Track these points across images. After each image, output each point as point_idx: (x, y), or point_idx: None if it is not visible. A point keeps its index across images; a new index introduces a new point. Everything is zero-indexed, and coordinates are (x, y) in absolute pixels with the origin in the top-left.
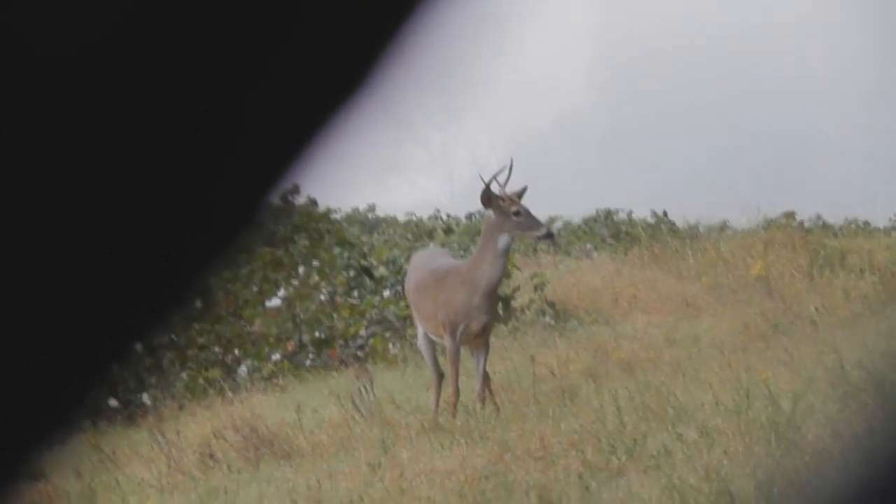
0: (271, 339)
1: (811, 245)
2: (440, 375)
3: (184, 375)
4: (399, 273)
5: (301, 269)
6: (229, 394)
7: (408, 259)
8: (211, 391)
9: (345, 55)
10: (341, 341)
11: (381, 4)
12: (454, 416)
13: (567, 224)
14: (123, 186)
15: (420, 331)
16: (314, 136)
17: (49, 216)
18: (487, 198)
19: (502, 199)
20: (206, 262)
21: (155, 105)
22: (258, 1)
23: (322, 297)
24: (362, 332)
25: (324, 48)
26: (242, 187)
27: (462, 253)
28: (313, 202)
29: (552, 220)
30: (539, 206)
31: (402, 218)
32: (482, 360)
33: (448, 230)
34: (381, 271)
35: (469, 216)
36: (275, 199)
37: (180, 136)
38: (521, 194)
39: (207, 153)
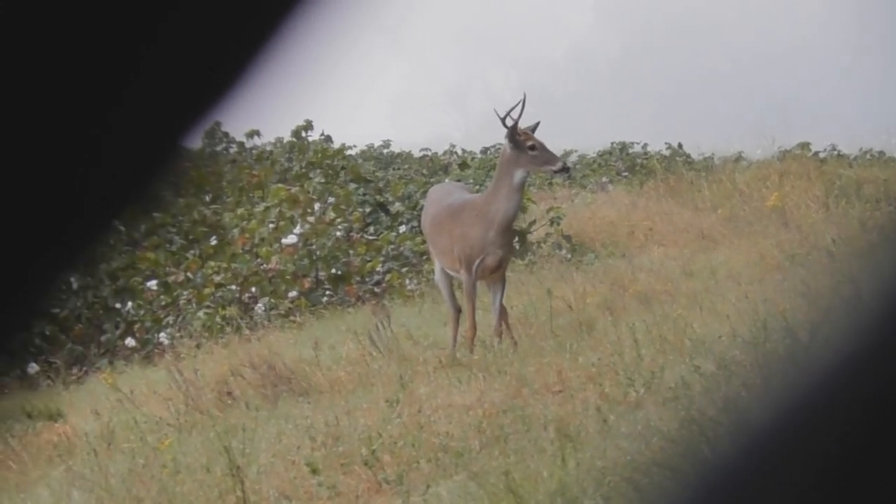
0: (288, 277)
1: (826, 175)
2: (457, 310)
3: (201, 314)
4: (415, 209)
5: (317, 206)
6: (246, 332)
7: (423, 194)
8: (228, 329)
9: None
10: (358, 278)
11: None
12: (472, 351)
13: (582, 157)
14: (20, 126)
15: (437, 266)
16: (237, 69)
17: None
18: (513, 133)
19: (518, 134)
20: (107, 208)
21: (53, 32)
22: None
23: (338, 234)
24: (379, 269)
25: None
26: (151, 127)
27: (478, 188)
28: (328, 138)
29: (567, 153)
30: (554, 140)
31: (416, 153)
32: (499, 295)
33: (463, 165)
34: (396, 207)
35: (484, 150)
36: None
37: (78, 70)
38: (534, 129)
39: (108, 90)
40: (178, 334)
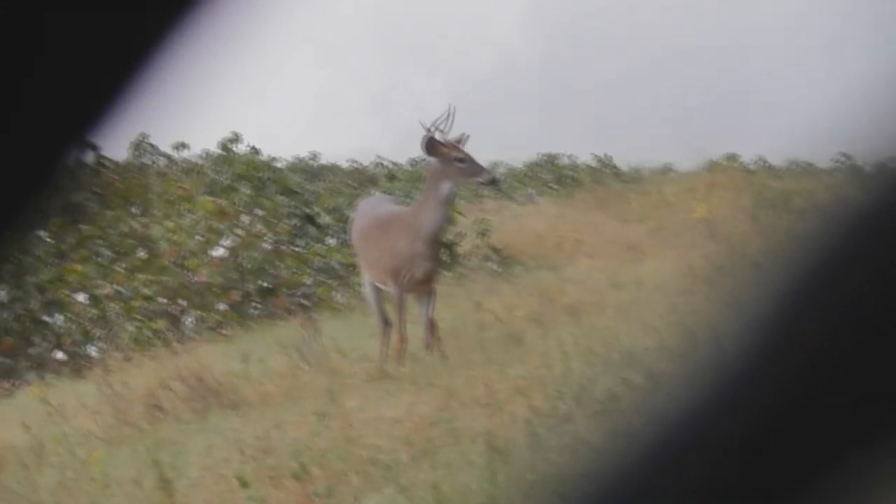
0: (216, 289)
1: (755, 187)
2: (386, 323)
3: (130, 327)
4: (343, 221)
5: (245, 219)
6: (175, 344)
7: (351, 206)
8: (157, 342)
9: None
10: (286, 290)
11: None
12: (400, 363)
13: (510, 169)
14: None
15: (366, 278)
16: (116, 85)
17: None
18: (431, 146)
19: (445, 146)
20: None
21: None
22: None
23: (266, 246)
24: (307, 281)
25: None
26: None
27: (406, 200)
28: (256, 151)
29: (495, 165)
30: (481, 151)
31: (345, 165)
32: (428, 307)
33: (391, 177)
34: (325, 219)
35: (413, 163)
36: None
37: None
38: (462, 141)
39: None
40: (107, 347)
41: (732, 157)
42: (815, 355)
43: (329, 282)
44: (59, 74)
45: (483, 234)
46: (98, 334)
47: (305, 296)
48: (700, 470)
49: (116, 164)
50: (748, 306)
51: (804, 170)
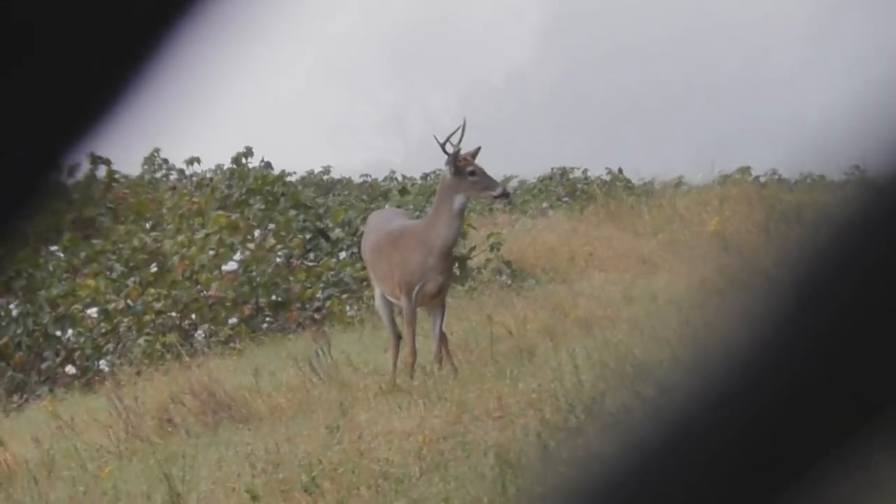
0: (228, 303)
1: (767, 200)
2: (398, 336)
3: (141, 341)
4: (355, 235)
5: (257, 233)
6: (186, 358)
7: (363, 220)
8: (168, 356)
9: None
10: (298, 304)
11: None
12: (412, 377)
13: (522, 183)
14: None
15: (377, 292)
16: (104, 100)
17: None
18: (453, 160)
19: (458, 160)
20: None
21: None
22: None
23: (278, 260)
24: (319, 295)
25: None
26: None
27: (418, 214)
28: (268, 165)
29: (507, 179)
30: (494, 165)
31: (356, 179)
32: (439, 321)
33: (403, 191)
34: (336, 233)
35: (424, 176)
36: (227, 162)
37: None
38: (474, 154)
39: None
40: (118, 361)
41: (744, 170)
42: (827, 367)
43: (340, 295)
44: (72, 88)
45: (495, 247)
46: (109, 348)
47: (317, 309)
48: (712, 483)
49: (129, 178)
50: (761, 319)
51: (816, 182)
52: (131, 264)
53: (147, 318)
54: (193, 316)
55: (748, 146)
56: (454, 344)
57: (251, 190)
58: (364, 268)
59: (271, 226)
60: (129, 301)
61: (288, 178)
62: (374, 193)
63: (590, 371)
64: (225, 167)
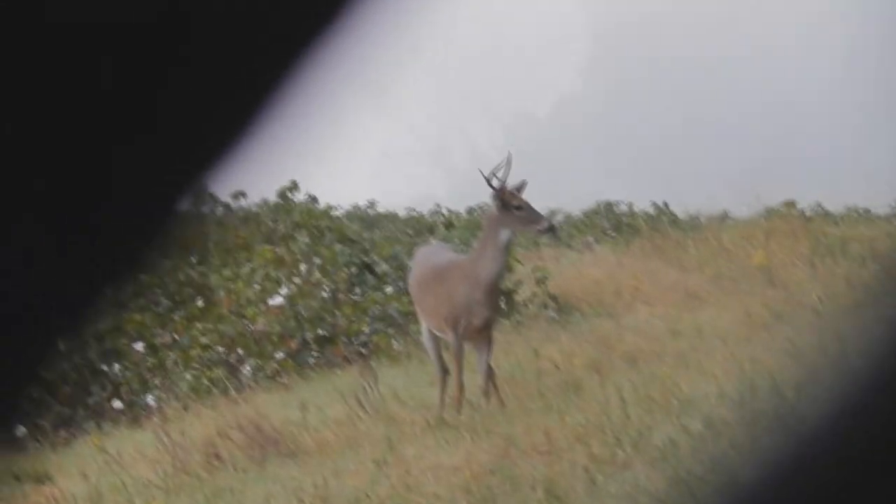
0: (274, 338)
1: (812, 233)
2: (444, 371)
3: (188, 376)
4: (401, 269)
5: (303, 267)
6: (233, 393)
7: (409, 255)
8: (215, 391)
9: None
10: (344, 338)
11: None
12: (459, 411)
13: (568, 217)
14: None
15: (424, 326)
16: (226, 134)
17: None
18: (501, 195)
19: (503, 194)
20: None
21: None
22: None
23: (324, 295)
24: (365, 329)
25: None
26: (145, 192)
27: (464, 248)
28: (313, 199)
29: (553, 213)
30: (539, 198)
31: (402, 213)
32: (486, 355)
33: (449, 225)
34: (382, 267)
35: (470, 210)
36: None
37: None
38: (520, 188)
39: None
40: (165, 396)
41: (790, 204)
42: (877, 400)
43: (387, 330)
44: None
45: (541, 281)
46: (156, 383)
47: (363, 344)
48: None
49: (178, 214)
50: (808, 352)
51: (861, 216)
52: (178, 298)
53: (193, 352)
54: (240, 350)
55: (793, 180)
56: (501, 378)
57: (297, 224)
58: (410, 302)
59: (317, 260)
60: (175, 335)
61: (333, 213)
62: (419, 228)
63: (637, 405)
64: (270, 201)
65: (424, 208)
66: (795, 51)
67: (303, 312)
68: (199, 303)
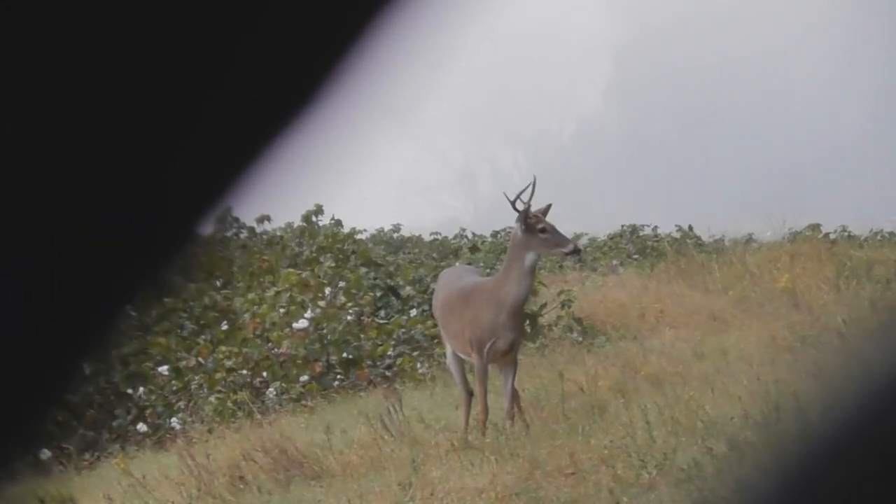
0: (299, 361)
1: (837, 256)
2: (469, 393)
3: (212, 399)
4: (425, 292)
5: (327, 290)
6: (258, 416)
7: (434, 278)
8: (240, 414)
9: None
10: (369, 361)
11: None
12: (484, 433)
13: (592, 240)
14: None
15: (448, 349)
16: (251, 158)
17: None
18: (524, 218)
19: (529, 217)
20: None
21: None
22: None
23: (349, 318)
24: (390, 352)
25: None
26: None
27: (489, 271)
28: (338, 223)
29: (577, 236)
30: (564, 222)
31: (426, 237)
32: (510, 378)
33: (474, 248)
34: (407, 291)
35: (494, 234)
36: (297, 220)
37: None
38: (545, 211)
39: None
40: (189, 419)
41: (814, 227)
42: None
43: (411, 353)
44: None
45: (566, 304)
46: (181, 406)
47: (388, 367)
48: None
49: (200, 236)
50: (832, 375)
51: (886, 239)
52: (202, 322)
53: (218, 375)
54: (265, 373)
55: (817, 203)
56: (526, 401)
57: (321, 248)
58: (435, 325)
59: (342, 284)
60: (200, 359)
61: (358, 236)
62: (444, 251)
63: (661, 427)
64: (295, 225)
65: (449, 232)
66: (828, 80)
67: (327, 336)
68: (224, 326)
